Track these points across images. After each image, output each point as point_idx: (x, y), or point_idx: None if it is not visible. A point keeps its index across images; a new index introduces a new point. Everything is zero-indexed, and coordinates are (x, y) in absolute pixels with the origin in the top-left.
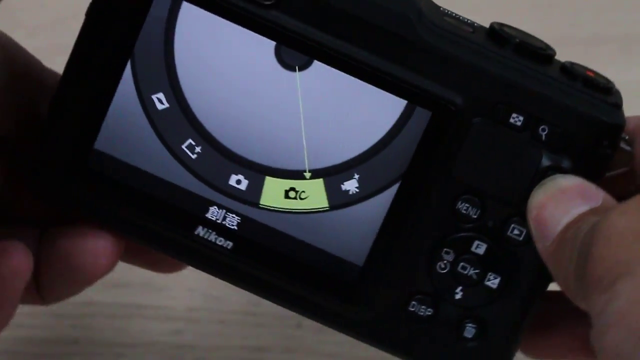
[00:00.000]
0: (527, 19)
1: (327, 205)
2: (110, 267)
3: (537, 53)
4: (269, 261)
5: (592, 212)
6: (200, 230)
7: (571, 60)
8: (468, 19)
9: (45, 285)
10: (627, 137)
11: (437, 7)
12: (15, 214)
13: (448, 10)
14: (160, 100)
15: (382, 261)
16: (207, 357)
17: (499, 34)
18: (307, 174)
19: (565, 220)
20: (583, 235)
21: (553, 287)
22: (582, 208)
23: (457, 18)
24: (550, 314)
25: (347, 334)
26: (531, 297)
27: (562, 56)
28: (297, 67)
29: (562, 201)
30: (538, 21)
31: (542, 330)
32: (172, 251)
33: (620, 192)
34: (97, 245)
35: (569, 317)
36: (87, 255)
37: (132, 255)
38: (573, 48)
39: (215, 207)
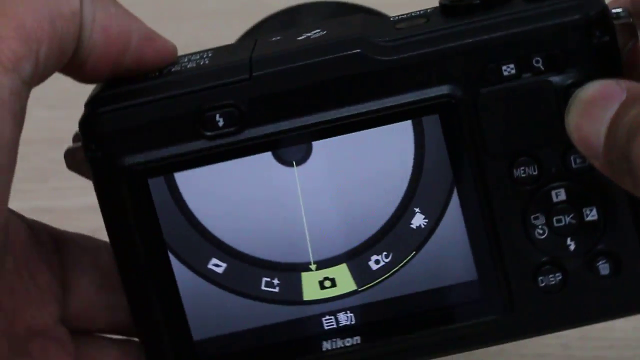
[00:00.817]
0: None
1: (414, 252)
2: None
3: (491, 1)
4: (401, 328)
5: (623, 107)
6: (326, 345)
7: None
8: (419, 11)
9: None
10: (620, 11)
11: (388, 20)
12: None
13: (398, 17)
14: (216, 265)
15: (491, 265)
16: None
17: (450, 6)
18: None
19: (603, 129)
20: (626, 133)
21: None
22: (612, 109)
23: (408, 19)
24: None
25: (503, 342)
26: (636, 207)
27: None
28: (294, 163)
29: (591, 113)
30: None
31: None
32: None
33: None
34: None
35: None
36: None
37: None
38: None
39: (329, 316)
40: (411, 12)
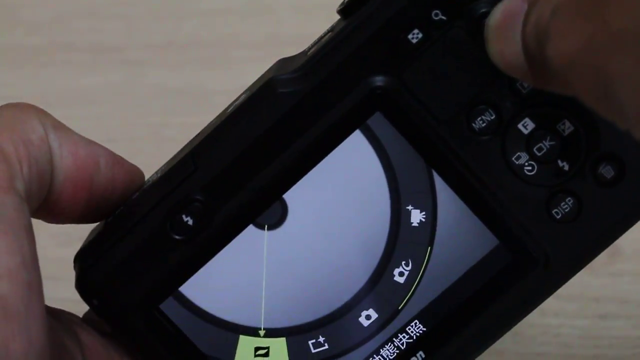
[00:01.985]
0: None
1: (429, 247)
2: None
3: None
4: (453, 326)
5: (526, 17)
6: None
7: None
8: (328, 29)
9: None
10: None
11: (302, 53)
12: None
13: (311, 44)
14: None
15: (504, 223)
16: None
17: (345, 8)
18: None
19: (518, 48)
20: (535, 41)
21: None
22: (520, 24)
23: (318, 40)
24: None
25: (553, 292)
26: None
27: None
28: (266, 227)
29: (505, 37)
30: None
31: None
32: None
33: None
34: None
35: None
36: None
37: None
38: None
39: (383, 348)
40: (321, 34)
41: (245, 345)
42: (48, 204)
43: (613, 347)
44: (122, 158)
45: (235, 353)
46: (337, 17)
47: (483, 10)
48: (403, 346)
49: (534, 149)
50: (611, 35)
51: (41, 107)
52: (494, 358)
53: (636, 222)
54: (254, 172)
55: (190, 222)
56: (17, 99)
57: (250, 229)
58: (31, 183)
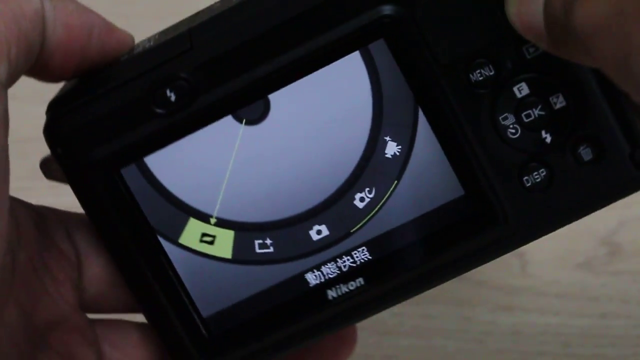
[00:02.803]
0: None
1: (395, 182)
2: None
3: None
4: (402, 261)
5: None
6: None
7: None
8: None
9: None
10: None
11: None
12: None
13: None
14: None
15: (473, 176)
16: None
17: None
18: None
19: (539, 8)
20: (561, 3)
21: None
22: None
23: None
24: None
25: (505, 252)
26: (605, 90)
27: None
28: (244, 121)
29: None
30: None
31: None
32: (320, 334)
33: None
34: None
35: None
36: None
37: None
38: None
39: (325, 265)
40: None
41: (194, 229)
42: (37, 68)
43: (613, 346)
44: (114, 26)
45: (181, 233)
46: None
47: None
48: (345, 268)
49: (523, 114)
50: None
51: (41, 104)
52: (494, 357)
53: (601, 207)
54: (248, 65)
55: (173, 98)
56: None
57: (229, 119)
58: (18, 60)
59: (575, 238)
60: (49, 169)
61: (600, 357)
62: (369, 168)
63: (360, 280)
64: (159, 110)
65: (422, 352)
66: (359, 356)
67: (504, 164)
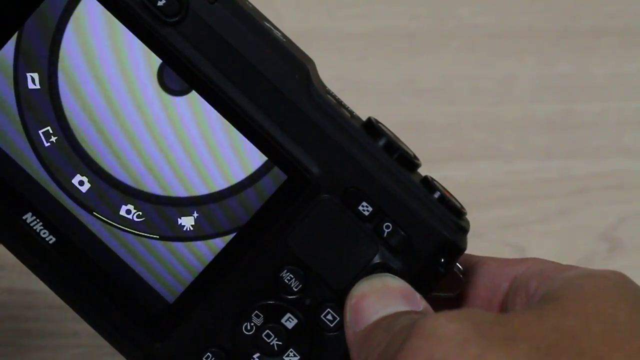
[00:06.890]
0: (528, 10)
1: (157, 234)
2: None
3: (404, 157)
4: (85, 269)
5: (413, 312)
6: (29, 217)
7: (573, 51)
8: (349, 106)
9: None
10: (461, 268)
11: (323, 84)
12: None
13: (332, 92)
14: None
15: (191, 305)
16: None
17: (373, 127)
18: (152, 198)
19: (382, 313)
20: (400, 327)
21: None
22: (402, 308)
23: (339, 101)
24: None
25: None
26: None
27: (562, 48)
28: (174, 92)
29: (384, 297)
30: (539, 13)
31: None
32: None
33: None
34: None
35: None
36: None
37: None
38: (573, 40)
39: (53, 200)
40: (342, 100)
41: None
42: None
43: None
44: None
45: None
46: (336, 14)
47: (382, 262)
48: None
49: (262, 325)
50: None
51: None
52: None
53: None
54: (208, 60)
55: None
56: None
57: (162, 94)
58: None
59: (575, 234)
60: None
61: None
62: None
63: (52, 238)
64: None
65: None
66: None
67: (211, 330)
